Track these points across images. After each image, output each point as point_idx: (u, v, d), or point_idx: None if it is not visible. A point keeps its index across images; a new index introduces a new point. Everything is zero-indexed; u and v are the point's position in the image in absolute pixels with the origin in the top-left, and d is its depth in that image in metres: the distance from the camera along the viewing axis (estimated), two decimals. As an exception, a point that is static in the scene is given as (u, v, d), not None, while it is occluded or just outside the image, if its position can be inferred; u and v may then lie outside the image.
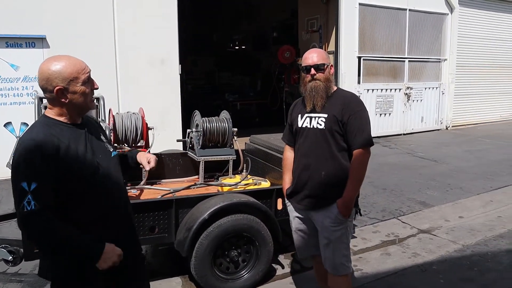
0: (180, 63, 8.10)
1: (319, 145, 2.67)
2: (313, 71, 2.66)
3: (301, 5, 11.74)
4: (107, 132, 2.07)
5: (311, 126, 2.70)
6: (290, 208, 2.92)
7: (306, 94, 2.71)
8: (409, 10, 11.16)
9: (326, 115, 2.65)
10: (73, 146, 1.83)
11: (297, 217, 2.86)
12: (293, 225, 2.93)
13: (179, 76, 8.12)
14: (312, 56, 2.68)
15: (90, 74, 1.90)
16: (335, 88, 2.76)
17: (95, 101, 2.01)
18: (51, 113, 1.89)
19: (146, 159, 2.27)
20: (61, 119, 1.88)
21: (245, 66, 15.14)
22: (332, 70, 2.76)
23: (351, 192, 2.63)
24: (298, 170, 2.79)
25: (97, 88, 1.95)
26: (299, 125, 2.77)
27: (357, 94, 8.91)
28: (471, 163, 8.22)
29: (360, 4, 10.32)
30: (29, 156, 1.72)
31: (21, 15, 6.82)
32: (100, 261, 1.82)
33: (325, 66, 2.68)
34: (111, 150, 2.04)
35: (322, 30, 10.74)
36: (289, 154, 2.95)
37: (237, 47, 16.35)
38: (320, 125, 2.66)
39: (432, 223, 5.08)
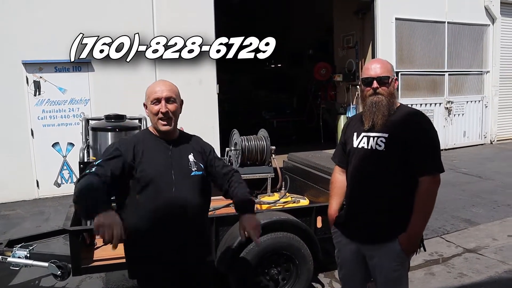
0: (217, 83, 8.26)
1: (377, 169, 2.31)
2: (375, 84, 2.29)
3: (337, 21, 11.78)
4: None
5: (369, 147, 2.32)
6: (338, 237, 2.55)
7: (366, 109, 2.33)
8: (448, 22, 10.93)
9: (387, 135, 2.27)
10: (151, 152, 2.17)
11: (346, 248, 2.49)
12: (339, 256, 2.55)
13: (217, 95, 8.27)
14: (375, 67, 2.31)
15: (161, 98, 2.17)
16: (398, 104, 2.37)
17: (158, 122, 2.21)
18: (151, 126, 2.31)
19: (251, 228, 2.29)
20: (153, 131, 2.27)
21: (281, 83, 15.22)
22: (397, 84, 2.39)
23: (418, 226, 2.24)
24: (352, 197, 2.45)
25: (162, 112, 2.16)
26: (354, 145, 2.40)
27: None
28: (518, 179, 7.87)
29: (396, 18, 10.21)
30: (109, 147, 2.22)
31: (69, 41, 7.18)
32: (94, 221, 1.74)
33: (390, 79, 2.31)
34: (192, 169, 2.23)
35: (358, 46, 10.71)
36: (339, 177, 2.58)
37: (272, 65, 16.49)
38: (380, 146, 2.28)
39: (479, 242, 4.89)
